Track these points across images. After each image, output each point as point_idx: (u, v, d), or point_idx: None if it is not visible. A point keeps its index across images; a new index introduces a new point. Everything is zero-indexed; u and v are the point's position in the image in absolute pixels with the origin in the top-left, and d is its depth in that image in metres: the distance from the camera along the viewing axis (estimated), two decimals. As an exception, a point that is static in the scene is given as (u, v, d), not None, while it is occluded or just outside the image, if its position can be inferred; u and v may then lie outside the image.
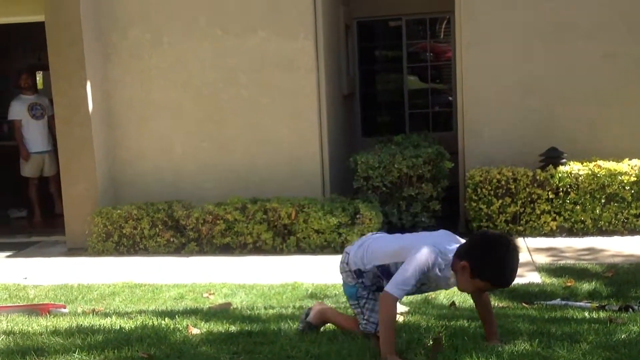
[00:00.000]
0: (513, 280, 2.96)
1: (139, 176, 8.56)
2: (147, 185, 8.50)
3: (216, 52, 8.33)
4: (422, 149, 8.13)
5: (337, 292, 5.76)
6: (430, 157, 7.90)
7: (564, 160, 7.68)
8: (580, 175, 7.48)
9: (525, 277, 6.15)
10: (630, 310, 4.41)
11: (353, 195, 8.11)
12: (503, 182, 7.61)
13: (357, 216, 7.44)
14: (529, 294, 5.29)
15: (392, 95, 11.74)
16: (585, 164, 7.61)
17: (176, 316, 3.95)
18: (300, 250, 7.60)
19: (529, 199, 7.61)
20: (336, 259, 7.19)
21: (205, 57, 8.36)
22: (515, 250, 2.94)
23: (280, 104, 8.31)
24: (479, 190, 7.67)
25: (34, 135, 9.62)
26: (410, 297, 5.60)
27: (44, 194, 9.91)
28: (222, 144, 8.48)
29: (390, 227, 7.92)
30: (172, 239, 7.84)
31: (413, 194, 7.88)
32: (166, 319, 3.87)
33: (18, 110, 9.56)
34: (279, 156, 8.33)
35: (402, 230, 7.96)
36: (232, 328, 3.60)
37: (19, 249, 8.36)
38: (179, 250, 7.84)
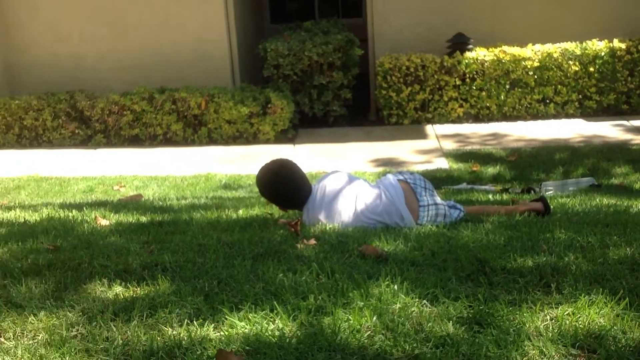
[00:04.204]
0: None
1: (35, 64, 8.09)
2: (44, 73, 8.06)
3: None
4: (332, 35, 8.00)
5: (251, 183, 5.76)
6: (340, 44, 7.79)
7: (470, 46, 7.76)
8: (486, 62, 7.61)
9: (433, 163, 6.34)
10: (532, 191, 4.64)
11: (264, 84, 7.98)
12: (412, 69, 7.65)
13: (269, 106, 7.35)
14: (437, 179, 5.46)
15: (301, -20, 11.41)
16: (490, 49, 7.72)
17: (84, 208, 3.85)
18: (212, 141, 7.50)
19: (437, 86, 7.71)
20: (248, 149, 7.26)
21: None
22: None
23: (185, -14, 7.92)
24: (388, 77, 7.69)
25: None
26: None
27: None
28: (123, 30, 8.06)
29: (302, 117, 7.90)
30: (77, 131, 7.55)
31: (324, 82, 7.81)
32: (73, 211, 3.76)
33: None
34: (184, 43, 8.02)
35: (314, 119, 7.96)
36: (143, 219, 3.54)
37: None
38: (85, 142, 7.57)
